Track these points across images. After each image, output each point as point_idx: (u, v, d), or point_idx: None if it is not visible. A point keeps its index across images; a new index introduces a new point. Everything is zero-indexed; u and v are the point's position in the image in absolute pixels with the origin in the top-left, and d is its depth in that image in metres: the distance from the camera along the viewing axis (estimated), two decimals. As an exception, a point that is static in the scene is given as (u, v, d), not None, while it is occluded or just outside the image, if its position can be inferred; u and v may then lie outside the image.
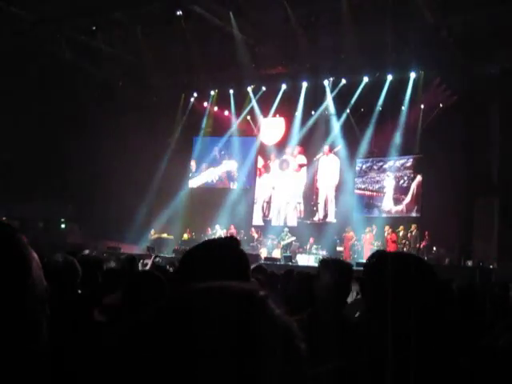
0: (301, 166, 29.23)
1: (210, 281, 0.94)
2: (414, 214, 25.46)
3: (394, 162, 26.46)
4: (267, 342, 0.85)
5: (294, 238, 26.37)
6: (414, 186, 25.67)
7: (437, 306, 2.08)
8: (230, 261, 2.18)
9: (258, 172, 30.31)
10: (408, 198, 25.70)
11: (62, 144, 26.31)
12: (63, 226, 28.20)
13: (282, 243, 26.30)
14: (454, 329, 4.32)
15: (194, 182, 31.68)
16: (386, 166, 26.76)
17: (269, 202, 29.65)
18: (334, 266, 4.06)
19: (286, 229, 27.14)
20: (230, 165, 31.09)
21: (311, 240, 25.84)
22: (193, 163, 31.90)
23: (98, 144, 26.42)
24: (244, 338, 0.84)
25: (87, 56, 25.90)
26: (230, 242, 2.30)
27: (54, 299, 1.70)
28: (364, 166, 27.32)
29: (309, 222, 28.26)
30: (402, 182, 26.11)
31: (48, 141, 25.92)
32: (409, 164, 26.10)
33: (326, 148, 28.39)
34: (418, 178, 25.59)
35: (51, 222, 27.29)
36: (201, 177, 31.66)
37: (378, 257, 2.20)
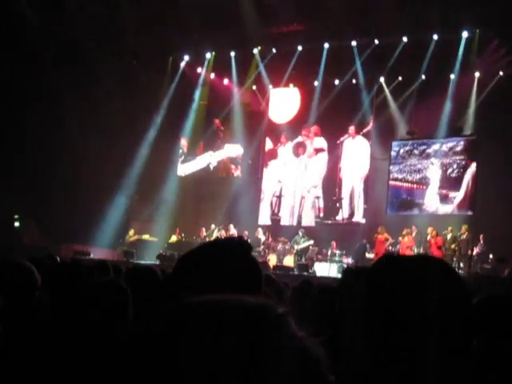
0: (318, 150, 29.16)
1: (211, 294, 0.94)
2: (465, 213, 25.37)
3: (440, 146, 26.38)
4: (287, 371, 0.84)
5: (311, 242, 26.29)
6: (467, 176, 25.56)
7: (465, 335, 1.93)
8: (239, 271, 2.14)
9: (266, 158, 30.28)
10: (461, 194, 25.58)
11: (17, 119, 26.30)
12: (17, 223, 28.18)
13: (297, 248, 26.25)
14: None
15: (185, 169, 31.69)
16: (430, 151, 26.68)
17: (279, 197, 29.65)
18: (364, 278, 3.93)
19: (302, 230, 26.99)
20: (232, 148, 31.08)
21: (333, 244, 25.78)
22: (183, 142, 31.86)
23: (62, 119, 26.37)
24: (257, 365, 0.83)
25: (51, 11, 25.82)
26: (239, 247, 2.23)
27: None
28: (402, 151, 27.25)
29: (330, 221, 28.26)
30: (450, 170, 26.01)
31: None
32: (459, 148, 26.01)
33: (352, 128, 28.34)
34: (472, 166, 25.49)
35: (1, 219, 27.30)
36: (195, 162, 31.63)
37: (383, 263, 2.10)
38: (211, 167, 31.47)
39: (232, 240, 2.29)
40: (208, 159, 31.40)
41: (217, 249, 2.24)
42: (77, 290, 4.03)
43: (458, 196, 25.67)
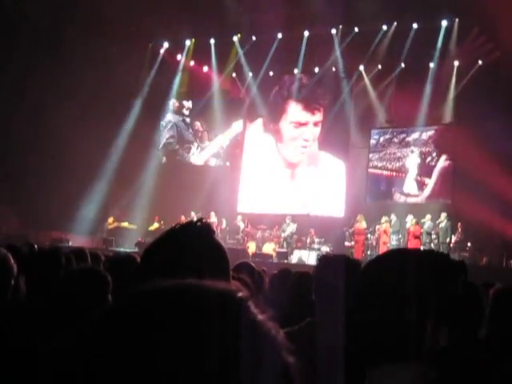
0: (301, 124, 28.83)
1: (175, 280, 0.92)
2: (443, 201, 25.45)
3: (419, 134, 26.42)
4: (246, 356, 0.83)
5: (294, 226, 26.19)
6: (441, 164, 25.67)
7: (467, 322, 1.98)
8: (202, 254, 2.14)
9: (246, 145, 30.18)
10: (432, 181, 25.70)
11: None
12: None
13: (284, 235, 26.19)
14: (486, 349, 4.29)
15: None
16: (409, 139, 26.73)
17: (259, 184, 29.53)
18: (335, 265, 3.93)
19: (289, 217, 26.81)
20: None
21: (312, 232, 25.78)
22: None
23: (38, 106, 26.20)
24: (216, 350, 0.82)
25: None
26: (202, 230, 2.24)
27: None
28: (382, 139, 27.28)
29: (310, 213, 27.96)
30: (429, 159, 26.08)
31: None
32: (437, 136, 26.07)
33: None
34: (445, 156, 25.60)
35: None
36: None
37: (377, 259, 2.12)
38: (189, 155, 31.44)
39: (195, 224, 2.28)
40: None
41: (180, 233, 2.24)
42: (56, 278, 4.00)
43: (431, 182, 25.77)
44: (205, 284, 0.91)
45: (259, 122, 29.69)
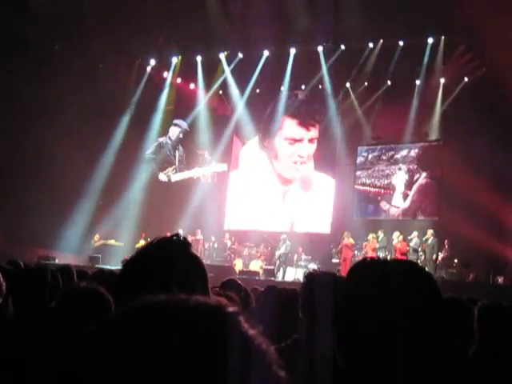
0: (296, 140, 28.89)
1: (156, 293, 0.92)
2: (430, 218, 25.53)
3: (408, 152, 26.53)
4: (238, 371, 0.83)
5: (289, 245, 25.96)
6: (421, 181, 25.82)
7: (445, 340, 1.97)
8: (179, 267, 2.16)
9: (233, 163, 30.23)
10: (411, 194, 25.89)
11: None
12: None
13: (277, 253, 26.12)
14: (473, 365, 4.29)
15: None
16: (398, 156, 26.84)
17: (246, 202, 29.53)
18: (321, 282, 3.92)
19: (284, 236, 26.45)
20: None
21: (300, 250, 25.80)
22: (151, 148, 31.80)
23: (26, 121, 26.18)
24: (206, 367, 0.82)
25: (17, 10, 25.61)
26: (178, 244, 2.27)
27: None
28: (370, 156, 27.37)
29: (297, 231, 27.94)
30: (417, 176, 26.19)
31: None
32: (421, 153, 26.21)
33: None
34: (425, 173, 25.75)
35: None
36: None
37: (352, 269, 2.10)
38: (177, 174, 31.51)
39: (171, 238, 2.29)
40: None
41: (158, 249, 2.24)
42: (42, 296, 3.97)
43: (414, 196, 25.93)
44: (196, 299, 0.90)
45: (255, 139, 29.70)
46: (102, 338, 0.86)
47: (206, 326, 0.86)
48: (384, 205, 26.62)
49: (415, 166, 26.29)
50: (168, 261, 2.15)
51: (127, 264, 2.23)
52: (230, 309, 0.91)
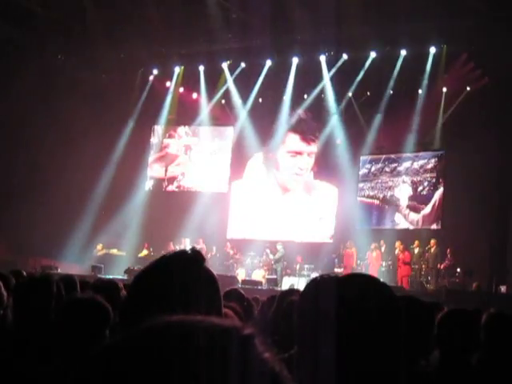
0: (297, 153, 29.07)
1: (169, 312, 0.91)
2: (433, 227, 25.47)
3: (411, 164, 26.47)
4: None
5: (282, 252, 26.14)
6: (436, 195, 25.68)
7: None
8: (192, 284, 2.08)
9: (235, 172, 30.18)
10: (428, 209, 25.71)
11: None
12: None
13: (274, 258, 26.09)
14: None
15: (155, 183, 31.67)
16: (401, 169, 26.78)
17: (248, 211, 29.48)
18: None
19: (280, 244, 26.75)
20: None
21: (298, 259, 25.83)
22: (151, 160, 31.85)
23: (28, 132, 26.17)
24: None
25: (18, 21, 25.62)
26: (193, 259, 2.18)
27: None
28: (373, 168, 27.33)
29: (297, 240, 27.92)
30: (421, 188, 26.11)
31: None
32: (430, 166, 26.12)
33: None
34: (442, 186, 25.64)
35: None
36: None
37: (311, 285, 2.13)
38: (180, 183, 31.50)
39: (185, 253, 2.23)
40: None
41: (170, 263, 2.18)
42: (48, 306, 3.95)
43: (426, 209, 25.77)
44: (210, 321, 0.89)
45: (259, 154, 29.69)
46: (114, 360, 0.85)
47: (222, 348, 0.85)
48: (398, 216, 26.50)
49: (420, 178, 26.18)
50: (180, 275, 2.09)
51: (139, 275, 2.19)
52: (247, 330, 0.90)
